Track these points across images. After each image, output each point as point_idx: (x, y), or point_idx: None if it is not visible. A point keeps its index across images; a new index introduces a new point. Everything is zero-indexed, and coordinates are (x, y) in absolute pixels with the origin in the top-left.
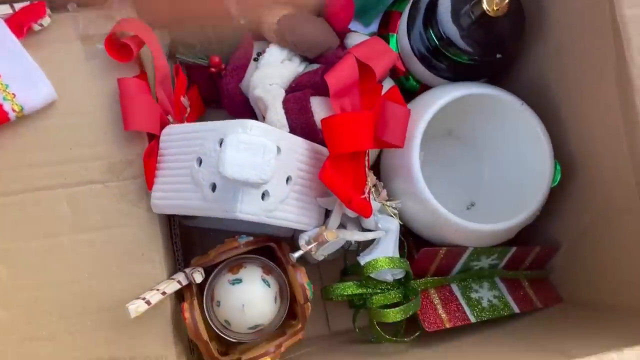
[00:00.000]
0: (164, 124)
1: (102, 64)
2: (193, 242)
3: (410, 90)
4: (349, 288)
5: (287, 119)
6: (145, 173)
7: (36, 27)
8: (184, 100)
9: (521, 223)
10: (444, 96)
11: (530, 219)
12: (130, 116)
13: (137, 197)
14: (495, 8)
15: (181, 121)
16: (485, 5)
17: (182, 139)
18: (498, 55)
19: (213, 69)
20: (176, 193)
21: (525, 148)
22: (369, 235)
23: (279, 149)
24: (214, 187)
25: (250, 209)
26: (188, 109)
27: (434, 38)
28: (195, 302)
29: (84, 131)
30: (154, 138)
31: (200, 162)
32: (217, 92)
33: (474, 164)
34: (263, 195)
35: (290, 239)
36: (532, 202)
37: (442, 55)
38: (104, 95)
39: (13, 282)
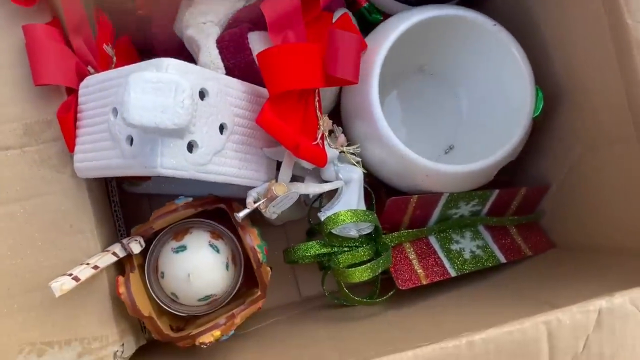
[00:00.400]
0: (83, 75)
1: (6, 13)
2: (142, 211)
3: (374, 23)
4: (312, 248)
5: (223, 59)
6: (63, 132)
7: None
8: (108, 48)
9: (500, 161)
10: (404, 21)
11: (511, 156)
12: (39, 68)
13: (60, 161)
14: None
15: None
16: None
17: (99, 89)
18: None
19: (140, 11)
20: (96, 153)
21: (503, 75)
22: (325, 187)
23: (205, 92)
24: (131, 141)
25: (173, 163)
26: (114, 58)
27: None
28: (136, 274)
29: None
30: (72, 93)
31: (115, 112)
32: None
33: (450, 102)
34: (191, 147)
35: None
36: (512, 136)
37: None
38: (11, 49)
39: None
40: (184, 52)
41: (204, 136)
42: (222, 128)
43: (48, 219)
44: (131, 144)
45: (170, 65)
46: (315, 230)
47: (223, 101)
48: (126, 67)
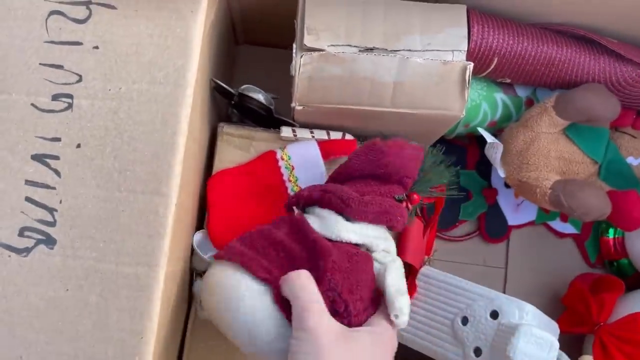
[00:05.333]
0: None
1: None
2: None
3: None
4: None
5: None
6: None
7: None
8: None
9: None
10: None
11: None
12: (406, 249)
13: None
14: None
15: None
16: None
17: (443, 288)
18: None
19: None
20: (429, 336)
21: None
22: None
23: None
24: (477, 352)
25: None
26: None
27: None
28: None
29: None
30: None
31: (464, 321)
32: None
33: None
34: None
35: None
36: None
37: None
38: None
39: None
40: None
41: None
42: None
43: None
44: (476, 354)
45: (530, 312)
46: None
47: None
48: (480, 287)
